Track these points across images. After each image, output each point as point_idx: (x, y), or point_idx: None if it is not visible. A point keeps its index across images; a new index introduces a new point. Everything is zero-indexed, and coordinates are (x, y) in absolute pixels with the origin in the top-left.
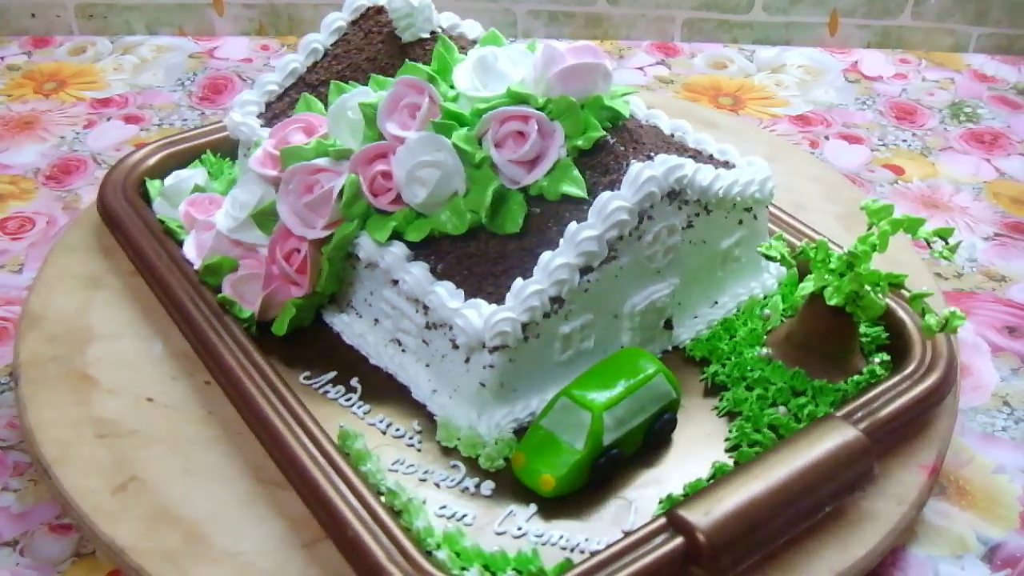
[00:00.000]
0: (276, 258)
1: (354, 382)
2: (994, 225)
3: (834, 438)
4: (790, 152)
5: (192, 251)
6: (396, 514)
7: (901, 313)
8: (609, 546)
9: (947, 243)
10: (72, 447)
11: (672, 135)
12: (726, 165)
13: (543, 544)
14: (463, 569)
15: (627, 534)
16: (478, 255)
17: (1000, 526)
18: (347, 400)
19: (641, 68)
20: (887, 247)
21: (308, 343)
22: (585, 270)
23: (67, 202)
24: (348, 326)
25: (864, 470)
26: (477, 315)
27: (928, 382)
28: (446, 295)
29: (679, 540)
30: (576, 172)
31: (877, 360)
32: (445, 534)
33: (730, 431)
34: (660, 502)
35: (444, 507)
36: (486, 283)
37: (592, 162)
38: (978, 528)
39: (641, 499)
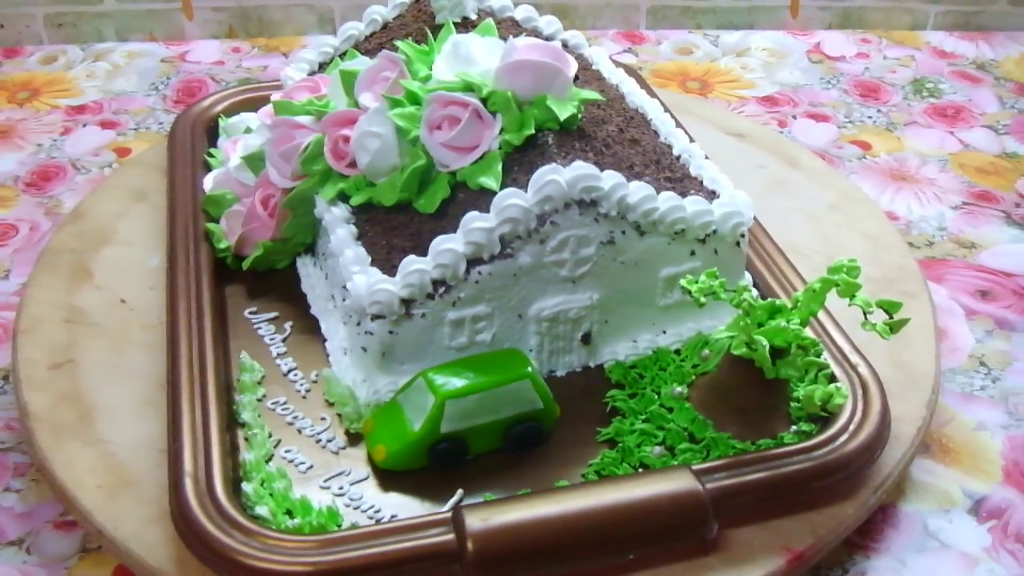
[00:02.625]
0: (255, 200)
1: (287, 325)
2: (961, 195)
3: (666, 485)
4: (856, 204)
5: (209, 182)
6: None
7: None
8: (388, 523)
9: (891, 317)
10: (41, 323)
11: (678, 157)
12: (712, 194)
13: (354, 508)
14: (257, 505)
15: (417, 516)
16: (399, 228)
17: (984, 480)
18: (271, 339)
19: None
20: (817, 308)
21: (273, 283)
22: (476, 261)
23: (49, 208)
24: (308, 275)
25: (690, 528)
26: (364, 281)
27: (809, 464)
28: (352, 258)
29: (450, 537)
30: (499, 166)
31: (794, 429)
32: (267, 472)
33: (598, 457)
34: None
35: (289, 450)
36: (395, 256)
37: (523, 159)
38: (963, 483)
39: (472, 496)
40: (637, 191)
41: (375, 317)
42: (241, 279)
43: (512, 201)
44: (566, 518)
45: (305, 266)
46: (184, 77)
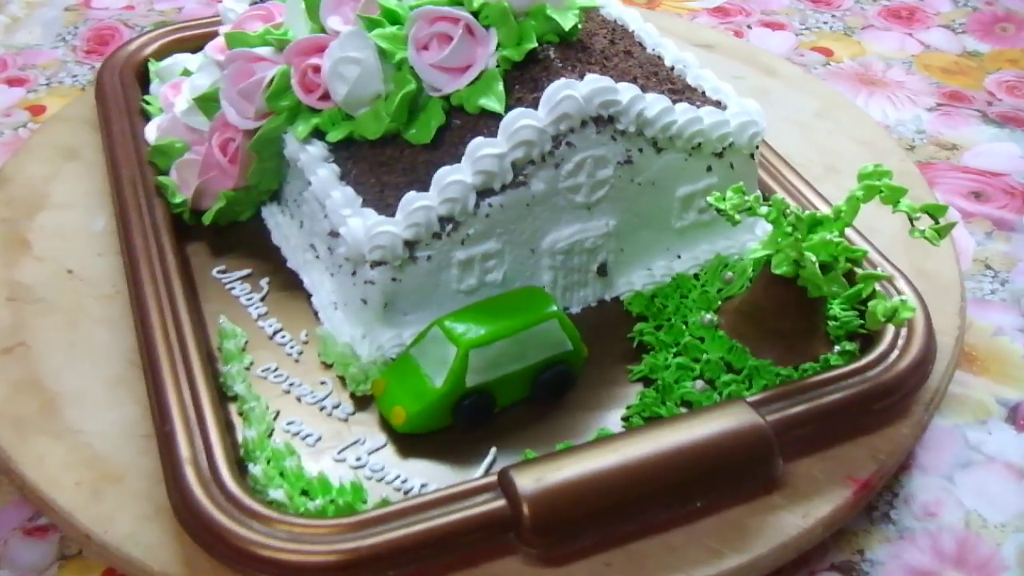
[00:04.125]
0: (212, 146)
1: (264, 282)
2: (933, 96)
3: (726, 423)
4: (842, 109)
5: (152, 132)
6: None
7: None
8: (426, 495)
9: (937, 222)
10: None
11: (672, 68)
12: (717, 104)
13: (377, 480)
14: (270, 488)
15: (459, 483)
16: (389, 164)
17: (1014, 387)
18: (248, 299)
19: None
20: (854, 218)
21: (239, 238)
22: (485, 192)
23: None
24: (279, 226)
25: (756, 466)
26: (361, 224)
27: (865, 386)
28: (341, 200)
29: (501, 503)
30: (500, 85)
31: (837, 349)
32: (273, 450)
33: (636, 398)
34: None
35: (292, 422)
36: (389, 194)
37: (524, 76)
38: (994, 391)
39: (505, 454)
40: (655, 104)
41: (375, 264)
42: (202, 236)
43: (525, 122)
44: (626, 470)
45: (273, 215)
46: (93, 25)
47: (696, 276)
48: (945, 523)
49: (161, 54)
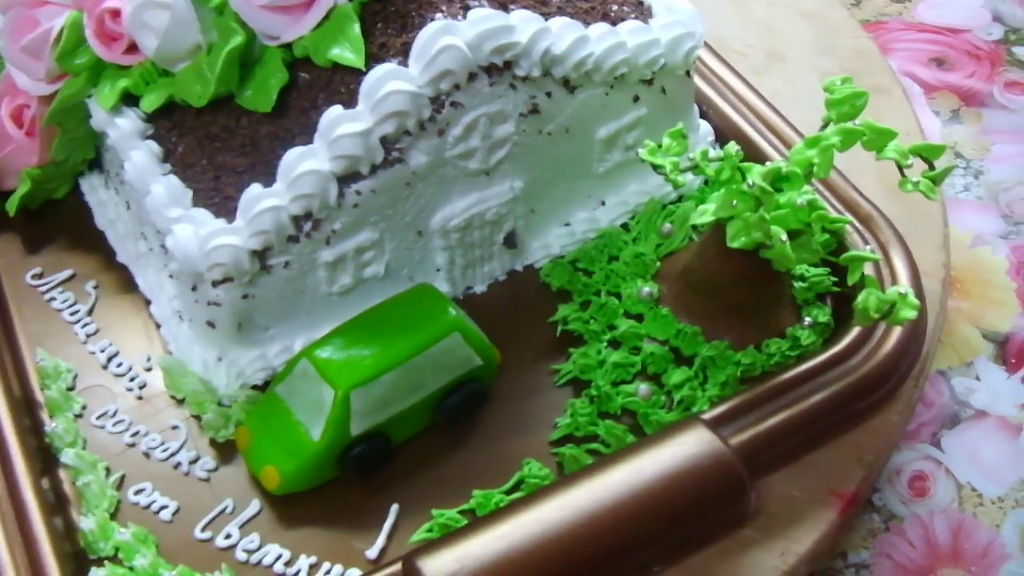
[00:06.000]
0: (2, 117)
1: (90, 287)
2: None
3: (678, 454)
4: None
5: None
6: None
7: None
8: None
9: (932, 167)
10: None
11: None
12: (640, 9)
13: (254, 564)
14: None
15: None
16: (223, 138)
17: (1001, 312)
18: (73, 314)
19: None
20: (828, 170)
21: (56, 222)
22: (350, 177)
23: None
24: (103, 205)
25: (722, 508)
26: (192, 234)
27: (848, 380)
28: (164, 197)
29: None
30: (356, 27)
31: (808, 321)
32: (120, 542)
33: (564, 411)
34: (424, 526)
35: (142, 490)
36: (226, 181)
37: (387, 11)
38: (978, 321)
39: (409, 507)
40: (563, 35)
41: (218, 283)
42: (8, 226)
43: (393, 87)
44: (564, 543)
45: (94, 190)
46: None
47: (625, 227)
48: (936, 504)
49: None
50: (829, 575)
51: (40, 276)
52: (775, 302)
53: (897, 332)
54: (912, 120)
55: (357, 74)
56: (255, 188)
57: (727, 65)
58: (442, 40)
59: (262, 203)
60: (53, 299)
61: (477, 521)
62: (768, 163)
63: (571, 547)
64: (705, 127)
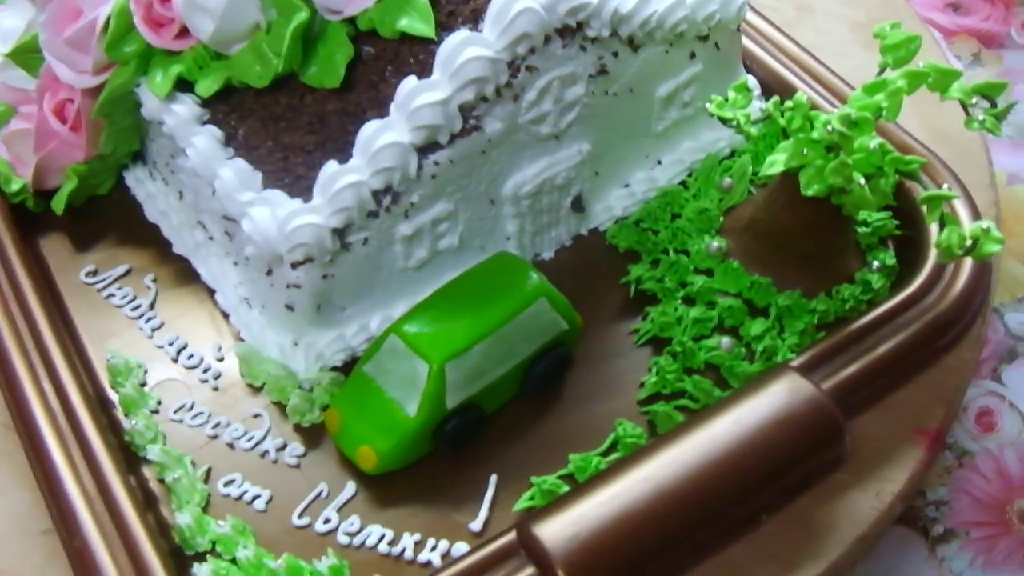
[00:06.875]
0: (46, 112)
1: (149, 280)
2: None
3: (779, 405)
4: None
5: None
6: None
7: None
8: (436, 571)
9: (993, 105)
10: None
11: None
12: None
13: (358, 547)
14: None
15: (469, 552)
16: (288, 117)
17: None
18: (134, 309)
19: None
20: (898, 114)
21: (104, 219)
22: (429, 148)
23: None
24: (152, 198)
25: (823, 453)
26: (270, 216)
27: (926, 319)
28: (235, 181)
29: (530, 572)
30: None
31: (876, 264)
32: (218, 536)
33: (649, 370)
34: (525, 494)
35: (232, 481)
36: (295, 161)
37: None
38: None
39: (506, 476)
40: None
41: (297, 264)
42: (56, 226)
43: (472, 53)
44: (673, 499)
45: (141, 184)
46: None
47: (684, 184)
48: (1005, 437)
49: None
50: (911, 513)
51: (95, 274)
52: (842, 248)
53: (966, 270)
54: (943, 60)
55: (426, 44)
56: (332, 165)
57: (765, 19)
58: (518, 3)
59: (342, 179)
60: (112, 296)
61: (585, 484)
62: (818, 112)
63: (683, 502)
64: (752, 80)
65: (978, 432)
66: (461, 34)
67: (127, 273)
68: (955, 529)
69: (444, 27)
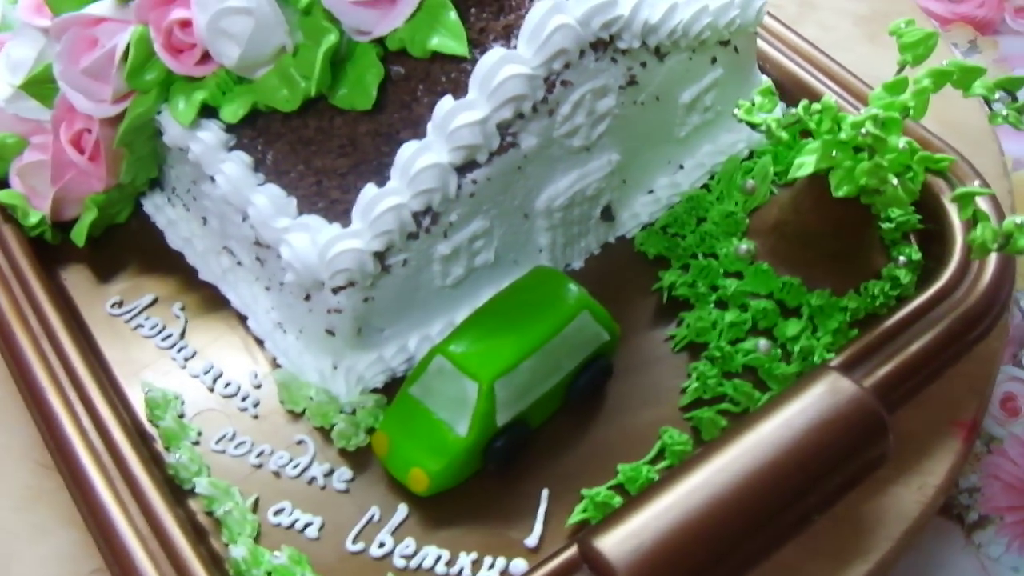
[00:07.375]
0: (62, 143)
1: (177, 309)
2: None
3: (823, 405)
4: None
5: None
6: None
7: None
8: None
9: (1015, 99)
10: None
11: None
12: None
13: (415, 569)
14: None
15: (532, 569)
16: (318, 141)
17: None
18: (165, 339)
19: None
20: (925, 112)
21: (124, 248)
22: (467, 167)
23: None
24: (173, 225)
25: (868, 451)
26: (310, 243)
27: (958, 313)
28: (270, 209)
29: None
30: (453, 15)
31: (902, 259)
32: (275, 567)
33: (689, 375)
34: (578, 507)
35: (282, 510)
36: (329, 185)
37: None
38: None
39: (556, 490)
40: (655, 4)
41: (338, 289)
42: (76, 257)
43: (510, 71)
44: (729, 504)
45: (160, 210)
46: None
47: (706, 187)
48: None
49: None
50: (946, 502)
51: (120, 304)
52: (867, 245)
53: (992, 262)
54: (949, 55)
55: (457, 62)
56: (371, 188)
57: (774, 17)
58: (554, 19)
59: (383, 203)
60: (140, 327)
61: (641, 495)
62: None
63: (739, 508)
64: (767, 81)
65: (1004, 417)
66: (498, 52)
67: (154, 303)
68: (989, 515)
69: (476, 44)
